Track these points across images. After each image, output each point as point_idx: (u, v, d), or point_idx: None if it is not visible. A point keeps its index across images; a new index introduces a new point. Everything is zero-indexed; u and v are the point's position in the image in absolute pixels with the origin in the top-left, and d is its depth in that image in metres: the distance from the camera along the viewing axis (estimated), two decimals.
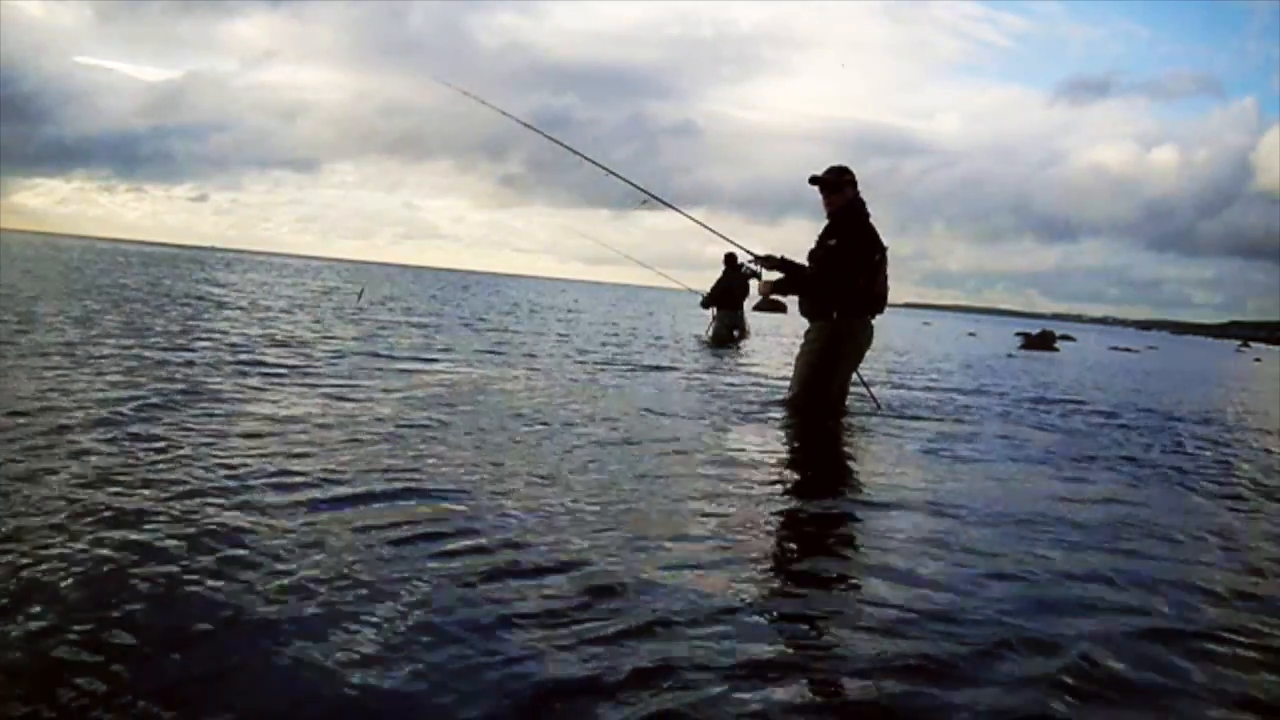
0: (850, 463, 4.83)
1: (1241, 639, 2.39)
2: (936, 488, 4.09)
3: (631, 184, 7.02)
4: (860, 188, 5.82)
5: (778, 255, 6.09)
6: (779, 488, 3.96)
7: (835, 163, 5.96)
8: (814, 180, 5.84)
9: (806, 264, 5.95)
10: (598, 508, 3.21)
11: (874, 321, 6.01)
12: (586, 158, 7.12)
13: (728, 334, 13.65)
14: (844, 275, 5.68)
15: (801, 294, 6.02)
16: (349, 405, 5.03)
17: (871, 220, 5.87)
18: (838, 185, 5.76)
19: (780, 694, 1.88)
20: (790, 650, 2.12)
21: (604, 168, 7.07)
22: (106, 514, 2.65)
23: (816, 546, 3.14)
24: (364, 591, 2.24)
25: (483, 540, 2.71)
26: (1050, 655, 2.15)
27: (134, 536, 2.48)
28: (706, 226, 7.14)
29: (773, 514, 3.49)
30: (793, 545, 3.14)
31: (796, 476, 4.36)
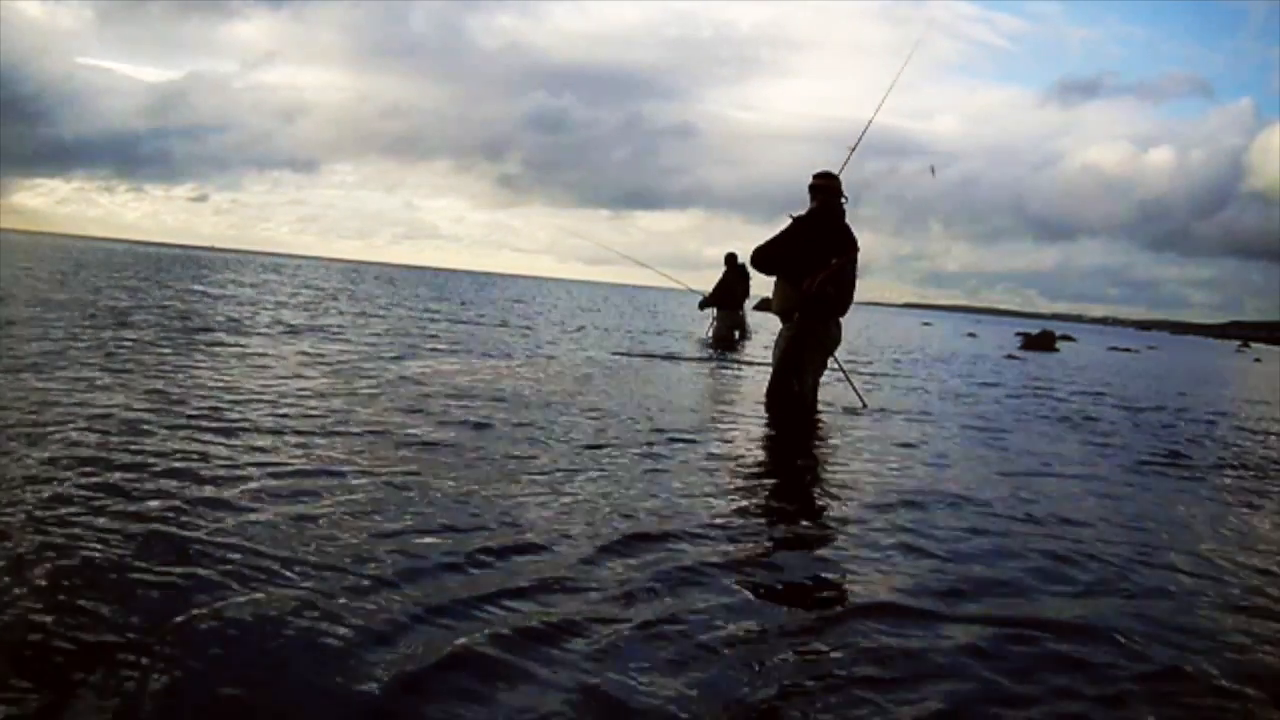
0: (821, 459, 4.86)
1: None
2: (924, 482, 4.15)
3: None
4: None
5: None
6: (747, 481, 4.02)
7: (827, 165, 6.22)
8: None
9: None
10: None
11: (860, 322, 6.14)
12: None
13: (728, 334, 13.63)
14: (771, 261, 6.06)
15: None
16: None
17: (848, 223, 6.09)
18: (814, 190, 6.14)
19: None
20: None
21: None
22: None
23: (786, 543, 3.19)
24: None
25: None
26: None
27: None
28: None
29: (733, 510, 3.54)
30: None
31: (768, 470, 4.47)
